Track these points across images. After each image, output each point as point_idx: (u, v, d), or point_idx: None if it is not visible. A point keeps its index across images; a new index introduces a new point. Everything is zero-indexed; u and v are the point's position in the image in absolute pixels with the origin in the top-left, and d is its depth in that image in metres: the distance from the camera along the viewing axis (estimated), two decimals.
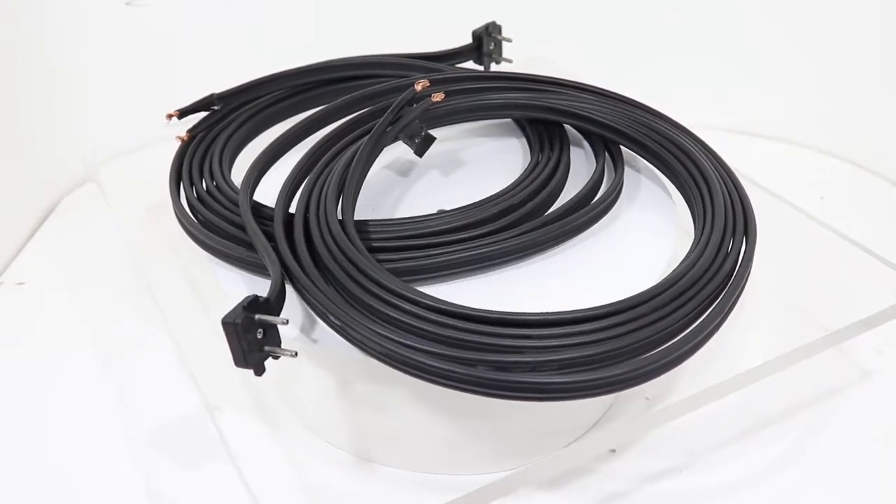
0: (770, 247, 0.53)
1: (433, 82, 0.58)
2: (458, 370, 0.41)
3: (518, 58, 0.73)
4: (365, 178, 0.54)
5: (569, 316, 0.42)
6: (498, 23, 0.71)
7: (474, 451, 0.52)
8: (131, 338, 0.64)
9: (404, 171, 0.59)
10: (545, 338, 0.42)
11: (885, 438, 0.54)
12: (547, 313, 0.43)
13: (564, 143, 0.58)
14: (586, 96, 0.60)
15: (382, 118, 0.55)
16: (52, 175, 0.83)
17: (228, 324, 0.41)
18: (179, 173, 0.59)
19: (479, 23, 0.71)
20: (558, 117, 0.58)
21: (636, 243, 0.52)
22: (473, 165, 0.59)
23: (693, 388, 0.48)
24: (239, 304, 0.41)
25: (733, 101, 0.88)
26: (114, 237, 0.75)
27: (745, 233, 0.50)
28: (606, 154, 0.58)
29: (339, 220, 0.49)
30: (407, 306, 0.43)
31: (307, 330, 0.46)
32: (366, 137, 0.54)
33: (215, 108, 0.64)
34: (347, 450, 0.54)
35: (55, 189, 0.83)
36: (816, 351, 0.49)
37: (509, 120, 0.63)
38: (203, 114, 0.64)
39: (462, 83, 0.60)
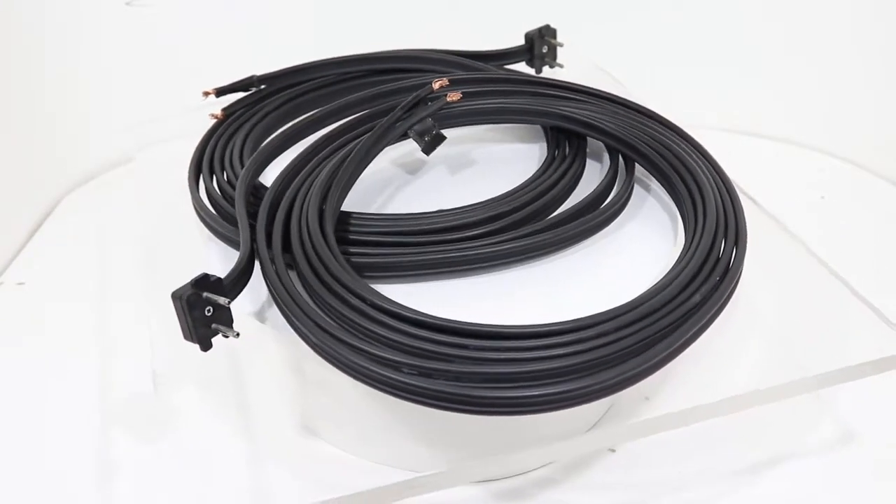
0: (764, 275, 0.53)
1: (452, 81, 0.57)
2: (380, 371, 0.41)
3: (573, 62, 0.72)
4: (363, 169, 0.54)
5: (505, 330, 0.42)
6: (553, 26, 0.71)
7: (433, 450, 0.51)
8: (131, 337, 0.64)
9: (414, 168, 0.59)
10: (477, 349, 0.41)
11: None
12: (484, 324, 0.42)
13: (580, 152, 0.57)
14: (607, 105, 0.59)
15: (393, 112, 0.55)
16: (52, 175, 0.84)
17: (175, 298, 0.42)
18: (200, 163, 0.59)
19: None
20: (566, 124, 0.57)
21: (630, 258, 0.51)
22: (485, 167, 0.59)
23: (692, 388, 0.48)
24: (190, 280, 0.43)
25: (733, 101, 0.88)
26: (114, 237, 0.75)
27: (735, 247, 0.48)
28: (621, 165, 0.56)
29: (321, 209, 0.49)
30: (353, 300, 0.44)
31: (263, 310, 0.47)
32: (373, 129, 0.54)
33: (253, 89, 0.65)
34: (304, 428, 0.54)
35: (55, 189, 0.83)
36: (790, 394, 0.48)
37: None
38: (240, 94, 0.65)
39: (480, 84, 0.59)
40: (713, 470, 0.52)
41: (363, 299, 0.44)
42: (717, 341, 0.48)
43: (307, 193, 0.51)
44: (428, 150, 0.56)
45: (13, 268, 0.74)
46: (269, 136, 0.63)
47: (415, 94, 0.56)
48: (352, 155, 0.53)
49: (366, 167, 0.54)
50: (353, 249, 0.49)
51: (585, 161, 0.57)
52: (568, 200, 0.54)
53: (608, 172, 0.55)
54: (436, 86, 0.56)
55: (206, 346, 0.44)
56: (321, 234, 0.47)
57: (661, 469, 0.52)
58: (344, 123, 0.57)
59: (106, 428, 0.57)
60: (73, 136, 0.85)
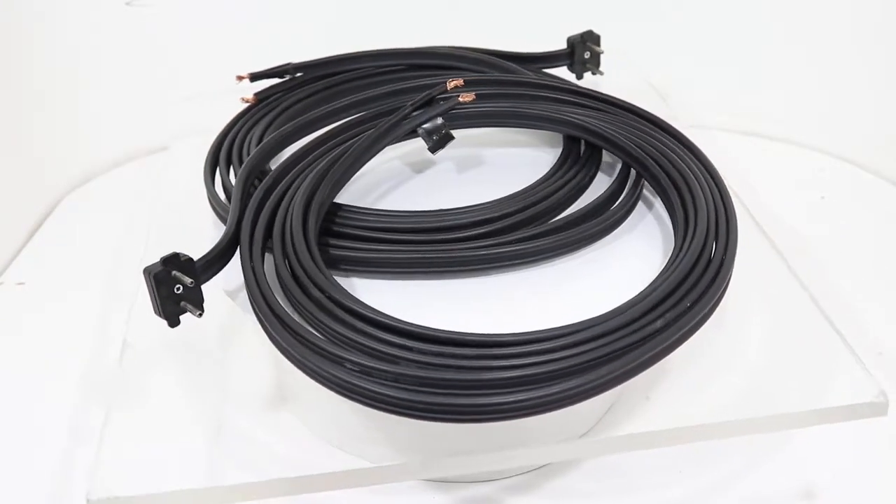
0: (755, 297, 0.52)
1: (467, 82, 0.57)
2: (321, 365, 0.41)
3: (617, 70, 0.71)
4: (363, 163, 0.54)
5: (449, 336, 0.41)
6: (597, 32, 0.70)
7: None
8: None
9: (422, 166, 0.59)
10: (420, 353, 0.41)
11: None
12: (431, 328, 0.42)
13: (592, 161, 0.56)
14: (626, 117, 0.58)
15: (401, 108, 0.55)
16: (52, 175, 0.83)
17: (145, 273, 0.44)
18: (219, 150, 0.60)
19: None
20: (576, 132, 0.56)
21: (618, 272, 0.49)
22: (493, 170, 0.59)
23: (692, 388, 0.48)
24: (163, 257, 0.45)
25: (733, 101, 0.88)
26: (114, 237, 0.75)
27: (715, 277, 0.46)
28: (632, 176, 0.55)
29: (309, 199, 0.50)
30: (313, 291, 0.44)
31: (238, 290, 0.49)
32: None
33: (288, 76, 0.65)
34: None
35: (55, 189, 0.83)
36: (758, 429, 0.47)
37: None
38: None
39: (496, 87, 0.59)
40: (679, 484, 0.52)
41: (322, 290, 0.44)
42: (718, 341, 0.48)
43: (302, 183, 0.52)
44: (435, 148, 0.56)
45: (13, 268, 0.74)
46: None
47: (427, 92, 0.56)
48: (353, 148, 0.53)
49: (367, 161, 0.54)
50: (338, 242, 0.50)
51: (596, 171, 0.56)
52: (571, 208, 0.53)
53: (612, 184, 0.54)
54: (450, 85, 0.56)
55: (173, 322, 0.46)
56: (301, 223, 0.48)
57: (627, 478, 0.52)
58: (358, 117, 0.57)
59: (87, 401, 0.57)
60: (73, 136, 0.85)
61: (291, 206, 0.50)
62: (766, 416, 0.46)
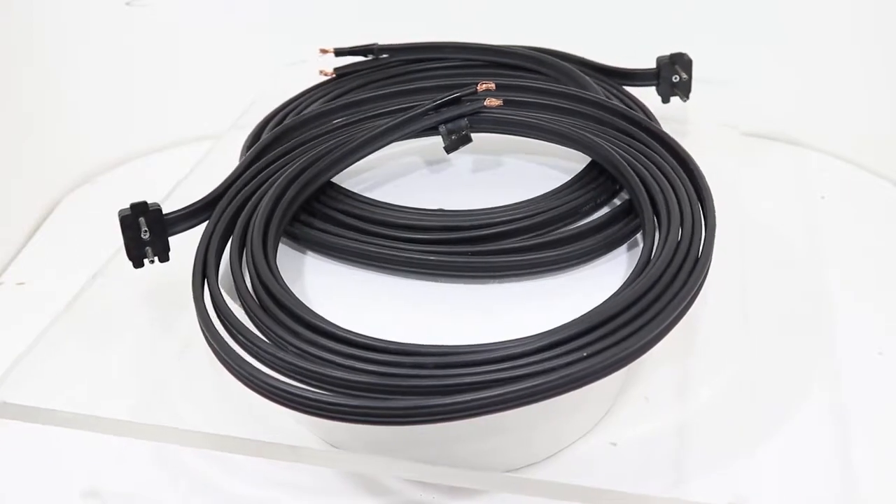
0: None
1: (499, 87, 0.56)
2: (231, 355, 0.43)
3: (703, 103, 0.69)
4: (374, 149, 0.55)
5: (361, 339, 0.42)
6: (690, 56, 0.68)
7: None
8: (132, 337, 0.64)
9: (437, 163, 0.59)
10: (345, 356, 0.41)
11: None
12: (358, 333, 0.42)
13: (604, 185, 0.54)
14: (657, 149, 0.55)
15: (425, 102, 0.55)
16: (52, 175, 0.83)
17: (118, 215, 0.50)
18: (263, 129, 0.62)
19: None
20: (590, 155, 0.55)
21: (579, 300, 0.46)
22: (505, 178, 0.58)
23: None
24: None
25: (733, 100, 0.88)
26: (113, 237, 0.75)
27: (655, 317, 0.43)
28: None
29: (295, 177, 0.52)
30: (255, 280, 0.46)
31: None
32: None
33: (371, 56, 0.67)
34: None
35: (55, 189, 0.83)
36: None
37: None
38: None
39: (529, 94, 0.58)
40: None
41: (260, 275, 0.46)
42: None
43: (296, 161, 0.53)
44: (450, 148, 0.56)
45: (13, 268, 0.74)
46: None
47: (454, 90, 0.56)
48: (365, 134, 0.54)
49: (377, 148, 0.55)
50: (320, 224, 0.52)
51: (610, 196, 0.54)
52: (560, 231, 0.51)
53: (607, 213, 0.52)
54: (480, 87, 0.56)
55: (136, 264, 0.51)
56: (272, 201, 0.50)
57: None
58: (400, 107, 0.57)
59: None
60: (73, 136, 0.85)
61: (279, 180, 0.52)
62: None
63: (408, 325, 0.46)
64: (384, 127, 0.55)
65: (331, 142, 0.55)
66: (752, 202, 0.68)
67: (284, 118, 0.63)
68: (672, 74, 0.68)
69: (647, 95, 0.67)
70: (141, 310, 0.56)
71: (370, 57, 0.67)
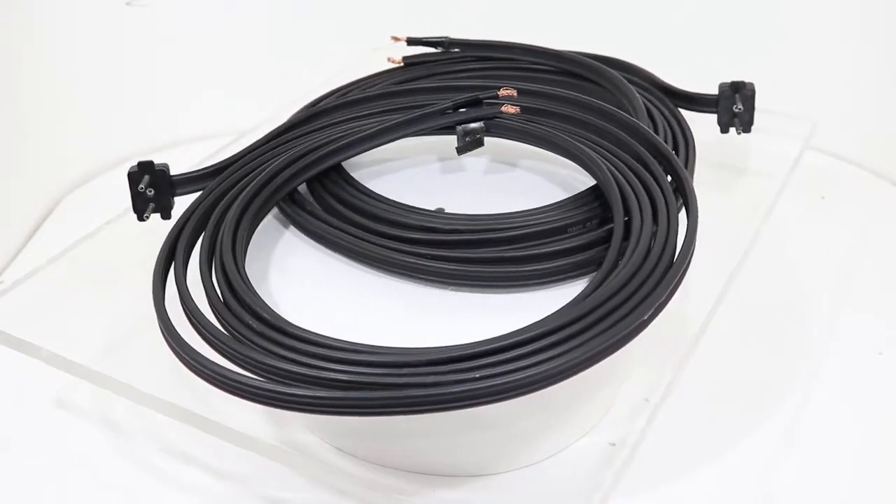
0: None
1: (521, 93, 0.56)
2: (180, 350, 0.44)
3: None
4: (383, 142, 0.55)
5: (325, 341, 0.42)
6: (754, 85, 0.63)
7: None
8: (131, 337, 0.64)
9: (449, 162, 0.59)
10: (310, 356, 0.42)
11: None
12: (298, 327, 0.43)
13: (603, 209, 0.51)
14: (665, 185, 0.50)
15: (443, 102, 0.55)
16: (52, 175, 0.83)
17: (128, 171, 0.54)
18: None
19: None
20: (593, 178, 0.52)
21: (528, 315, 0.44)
22: (515, 184, 0.57)
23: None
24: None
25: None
26: (114, 237, 0.75)
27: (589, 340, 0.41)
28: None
29: (296, 159, 0.53)
30: (221, 270, 0.48)
31: None
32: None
33: (441, 49, 0.67)
34: None
35: (55, 189, 0.83)
36: None
37: None
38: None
39: (552, 103, 0.56)
40: None
41: (224, 268, 0.47)
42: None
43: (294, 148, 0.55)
44: (462, 150, 0.56)
45: (13, 268, 0.74)
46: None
47: (475, 93, 0.56)
48: (375, 127, 0.55)
49: (386, 142, 0.56)
50: (307, 205, 0.53)
51: (601, 221, 0.51)
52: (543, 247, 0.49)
53: (600, 233, 0.49)
54: (502, 93, 0.56)
55: (140, 217, 0.55)
56: (262, 181, 0.52)
57: None
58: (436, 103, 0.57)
59: None
60: (73, 136, 0.85)
61: (280, 159, 0.53)
62: None
63: (357, 320, 0.47)
64: (396, 121, 0.55)
65: (347, 130, 0.56)
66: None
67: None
68: (733, 104, 0.63)
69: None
70: (135, 267, 0.57)
71: (440, 49, 0.67)
